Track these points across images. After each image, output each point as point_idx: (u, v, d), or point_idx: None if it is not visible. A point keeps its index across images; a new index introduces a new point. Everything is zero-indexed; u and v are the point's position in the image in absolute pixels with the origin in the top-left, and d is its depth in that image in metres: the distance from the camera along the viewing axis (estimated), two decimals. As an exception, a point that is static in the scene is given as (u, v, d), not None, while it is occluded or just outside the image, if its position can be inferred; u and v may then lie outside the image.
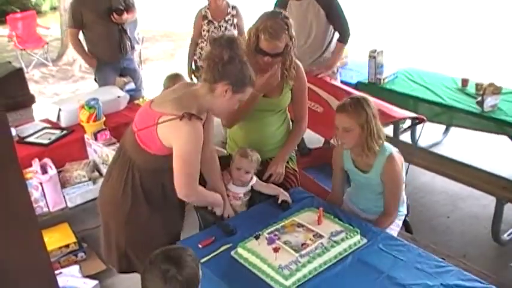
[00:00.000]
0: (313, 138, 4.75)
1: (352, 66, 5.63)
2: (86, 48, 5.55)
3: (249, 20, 5.14)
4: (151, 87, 5.66)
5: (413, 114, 4.16)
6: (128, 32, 5.65)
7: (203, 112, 2.64)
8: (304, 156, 4.46)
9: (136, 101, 5.04)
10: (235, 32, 5.29)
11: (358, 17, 12.11)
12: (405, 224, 3.37)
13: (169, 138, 2.49)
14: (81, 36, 5.52)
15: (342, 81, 5.13)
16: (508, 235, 4.12)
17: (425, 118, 4.05)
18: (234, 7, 5.40)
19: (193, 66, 5.56)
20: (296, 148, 3.58)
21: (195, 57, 5.52)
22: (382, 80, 4.99)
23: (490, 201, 4.01)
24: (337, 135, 3.00)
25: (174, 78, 4.06)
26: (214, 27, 5.32)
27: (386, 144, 3.00)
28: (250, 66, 2.60)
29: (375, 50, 4.98)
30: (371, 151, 2.93)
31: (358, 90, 4.94)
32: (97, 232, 2.88)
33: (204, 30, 5.36)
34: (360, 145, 2.94)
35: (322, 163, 4.37)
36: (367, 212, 3.14)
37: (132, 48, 5.86)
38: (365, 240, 2.64)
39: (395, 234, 3.02)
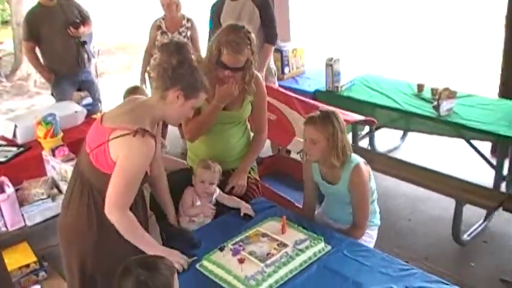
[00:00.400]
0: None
1: (310, 74, 5.69)
2: (42, 62, 5.47)
3: (204, 33, 5.19)
4: (109, 100, 5.60)
5: (362, 117, 4.21)
6: (85, 45, 5.60)
7: (156, 123, 2.59)
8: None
9: (94, 116, 4.96)
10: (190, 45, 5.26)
11: (314, 26, 12.29)
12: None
13: (119, 152, 2.37)
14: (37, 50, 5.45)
15: (299, 90, 5.18)
16: (469, 235, 4.21)
17: (375, 120, 4.13)
18: (189, 19, 5.42)
19: (147, 77, 5.54)
20: None
21: (148, 69, 5.51)
22: (339, 88, 5.05)
23: (450, 203, 4.08)
24: (304, 147, 3.01)
25: (133, 91, 4.04)
26: (167, 39, 5.29)
27: (354, 155, 3.03)
28: (200, 71, 2.54)
29: (332, 58, 5.03)
30: (336, 164, 2.96)
31: (316, 98, 5.02)
32: (58, 250, 2.80)
33: (157, 41, 5.36)
34: (326, 158, 2.95)
35: (273, 171, 4.42)
36: (341, 222, 3.13)
37: (89, 61, 5.80)
38: (329, 247, 2.65)
39: (371, 246, 3.02)
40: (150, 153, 2.42)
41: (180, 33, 5.37)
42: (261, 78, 3.28)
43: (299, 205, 3.56)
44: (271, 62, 5.12)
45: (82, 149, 2.57)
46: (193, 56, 2.55)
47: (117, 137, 2.36)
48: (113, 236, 2.48)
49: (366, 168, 3.03)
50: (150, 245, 2.50)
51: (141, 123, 2.39)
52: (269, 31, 4.86)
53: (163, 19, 5.41)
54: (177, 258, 2.49)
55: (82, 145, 2.57)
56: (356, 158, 3.01)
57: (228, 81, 3.02)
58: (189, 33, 5.38)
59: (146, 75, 5.54)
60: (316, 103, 4.47)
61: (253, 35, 3.05)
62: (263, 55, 4.78)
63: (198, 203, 3.02)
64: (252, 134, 3.43)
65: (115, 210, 2.40)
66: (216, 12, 4.97)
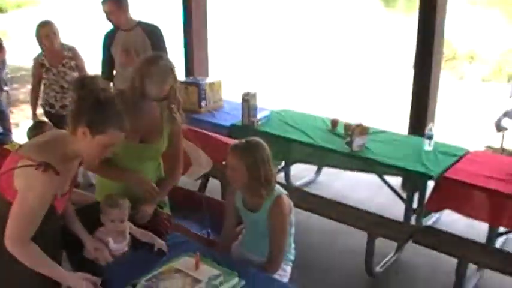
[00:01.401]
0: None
1: (228, 109, 5.71)
2: None
3: (88, 59, 5.18)
4: (21, 130, 5.42)
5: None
6: None
7: (70, 160, 2.49)
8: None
9: (5, 146, 4.77)
10: (75, 75, 5.16)
11: (233, 59, 12.43)
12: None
13: (20, 182, 2.31)
14: None
15: (216, 124, 5.20)
16: (381, 267, 4.32)
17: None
18: (70, 48, 5.27)
19: (43, 112, 5.45)
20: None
21: (40, 103, 5.40)
22: (255, 122, 5.08)
23: (363, 235, 4.16)
24: (227, 173, 3.03)
25: (37, 128, 3.95)
26: (53, 74, 5.21)
27: (278, 187, 3.06)
28: (114, 106, 2.44)
29: (248, 93, 5.07)
30: (257, 194, 2.98)
31: (232, 132, 5.04)
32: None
33: (44, 79, 5.25)
34: (247, 186, 2.98)
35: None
36: (257, 254, 3.14)
37: (1, 90, 5.61)
38: (243, 282, 2.63)
39: (285, 280, 3.04)
40: (50, 189, 2.34)
41: (64, 66, 5.20)
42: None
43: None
44: None
45: None
46: (112, 89, 2.51)
47: (22, 166, 2.30)
48: (11, 266, 2.38)
49: (287, 201, 3.07)
50: (57, 272, 2.44)
51: (48, 158, 2.32)
52: None
53: (44, 55, 5.23)
54: (80, 281, 2.44)
55: None
56: (280, 190, 3.05)
57: (153, 110, 3.03)
58: (73, 63, 5.23)
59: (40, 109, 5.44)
60: (208, 133, 4.63)
61: (173, 64, 3.07)
62: None
63: (111, 241, 2.88)
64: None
65: (13, 243, 2.32)
66: (107, 42, 4.98)
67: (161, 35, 4.88)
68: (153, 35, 4.84)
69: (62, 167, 2.37)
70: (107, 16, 4.80)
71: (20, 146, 2.51)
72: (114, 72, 5.05)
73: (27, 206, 2.31)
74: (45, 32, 5.08)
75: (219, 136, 4.65)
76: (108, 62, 5.01)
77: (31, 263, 2.38)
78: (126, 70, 4.46)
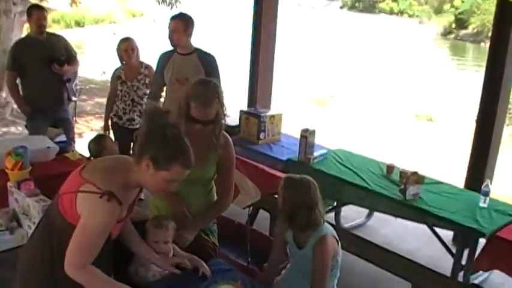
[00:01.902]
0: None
1: (285, 143, 5.76)
2: (21, 94, 5.48)
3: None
4: (84, 140, 5.61)
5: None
6: (67, 83, 5.64)
7: (132, 188, 2.54)
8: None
9: (66, 154, 4.95)
10: (147, 91, 5.41)
11: (295, 93, 12.53)
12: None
13: (82, 208, 2.38)
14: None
15: (272, 157, 5.25)
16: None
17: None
18: (147, 67, 5.54)
19: (110, 123, 5.67)
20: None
21: (111, 114, 5.63)
22: (311, 160, 5.10)
23: (407, 286, 4.10)
24: (279, 206, 3.08)
25: (98, 141, 4.09)
26: (127, 87, 5.48)
27: (327, 225, 3.07)
28: (182, 145, 2.45)
29: (307, 130, 5.10)
30: (303, 231, 3.01)
31: (287, 167, 5.06)
32: (10, 284, 2.75)
33: (119, 91, 5.50)
34: (294, 221, 3.01)
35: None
36: None
37: (70, 100, 5.83)
38: (280, 317, 2.65)
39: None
40: (112, 218, 2.41)
41: (138, 81, 5.47)
42: (230, 141, 3.29)
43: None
44: None
45: (58, 188, 2.57)
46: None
47: (85, 191, 2.37)
48: (62, 283, 2.47)
49: (332, 241, 3.06)
50: None
51: (112, 186, 2.38)
52: None
53: (122, 69, 5.53)
54: None
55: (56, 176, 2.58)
56: (327, 229, 3.05)
57: (199, 136, 3.00)
58: (147, 80, 5.47)
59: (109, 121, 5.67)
60: (255, 163, 4.65)
61: (221, 88, 3.10)
62: None
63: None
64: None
65: (73, 269, 2.40)
66: (161, 63, 5.00)
67: (216, 64, 4.92)
68: (208, 63, 4.88)
69: (123, 195, 2.43)
70: (170, 34, 4.87)
71: (84, 166, 2.55)
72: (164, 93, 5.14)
73: (89, 234, 2.37)
74: (125, 46, 5.42)
75: (266, 168, 4.70)
76: (158, 82, 5.07)
77: (91, 285, 2.46)
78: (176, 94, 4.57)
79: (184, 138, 2.48)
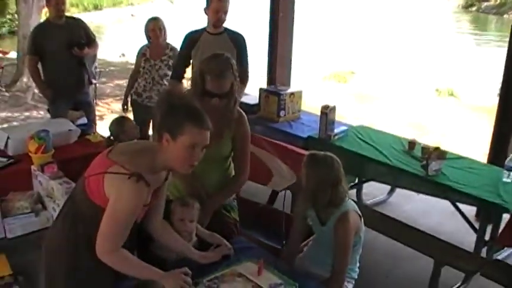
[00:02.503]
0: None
1: (305, 120, 5.74)
2: (42, 78, 5.53)
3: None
4: (105, 122, 5.65)
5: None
6: (87, 65, 5.67)
7: (159, 171, 2.55)
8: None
9: (87, 136, 5.00)
10: (169, 72, 5.40)
11: (315, 70, 12.45)
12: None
13: (111, 190, 2.39)
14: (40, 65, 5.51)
15: (292, 135, 5.24)
16: (444, 298, 4.22)
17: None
18: (172, 48, 5.56)
19: (130, 100, 5.74)
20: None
21: (132, 92, 5.69)
22: (332, 137, 5.08)
23: (429, 262, 4.09)
24: (303, 185, 3.08)
25: (119, 122, 4.11)
26: (150, 65, 5.52)
27: (349, 202, 3.07)
28: (189, 106, 2.49)
29: (327, 106, 5.08)
30: (326, 207, 3.01)
31: (308, 144, 5.06)
32: (35, 266, 2.80)
33: (141, 68, 5.54)
34: (318, 198, 3.01)
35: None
36: (321, 269, 3.15)
37: (90, 83, 5.88)
38: (303, 294, 2.66)
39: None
40: (140, 200, 2.43)
41: (162, 61, 5.51)
42: (245, 117, 3.27)
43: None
44: None
45: (81, 171, 2.59)
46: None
47: (114, 172, 2.39)
48: (87, 266, 2.52)
49: (354, 217, 3.06)
50: (149, 273, 2.53)
51: (140, 168, 2.40)
52: (242, 70, 4.72)
53: (148, 47, 5.59)
54: (179, 282, 2.50)
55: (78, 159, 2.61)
56: (350, 205, 3.05)
57: (216, 110, 2.98)
58: (170, 61, 5.50)
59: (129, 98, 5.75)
60: (285, 145, 4.47)
61: (233, 61, 3.10)
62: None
63: None
64: None
65: (105, 254, 2.44)
66: (188, 44, 4.88)
67: (245, 44, 4.90)
68: (238, 42, 4.85)
69: (151, 177, 2.45)
70: (212, 14, 4.71)
71: (110, 149, 2.56)
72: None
73: (119, 218, 2.40)
74: (153, 26, 5.49)
75: (295, 148, 4.57)
76: (183, 62, 4.96)
77: (124, 269, 2.51)
78: None
79: (193, 103, 2.52)
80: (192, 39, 4.87)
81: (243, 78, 4.79)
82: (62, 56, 5.37)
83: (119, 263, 2.48)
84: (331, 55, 14.98)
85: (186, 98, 2.55)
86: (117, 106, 8.74)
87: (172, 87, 2.90)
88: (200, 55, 4.74)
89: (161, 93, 2.64)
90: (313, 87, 9.54)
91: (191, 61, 4.92)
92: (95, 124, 5.92)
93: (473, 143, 7.51)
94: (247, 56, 4.90)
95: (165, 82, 5.41)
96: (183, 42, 4.95)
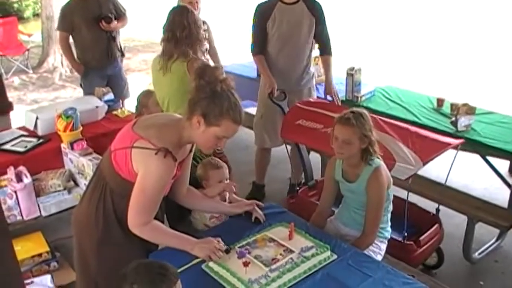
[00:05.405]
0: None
1: (331, 83, 5.66)
2: (74, 54, 5.59)
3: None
4: (131, 98, 5.67)
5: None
6: (117, 39, 5.70)
7: (184, 145, 2.57)
8: (311, 189, 4.41)
9: (114, 112, 5.03)
10: (207, 45, 5.32)
11: (337, 34, 12.28)
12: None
13: (139, 165, 2.42)
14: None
15: (319, 98, 5.19)
16: (479, 254, 4.19)
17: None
18: (204, 22, 5.41)
19: None
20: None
21: None
22: (359, 98, 5.04)
23: (462, 219, 4.07)
24: (334, 145, 3.03)
25: (146, 96, 4.12)
26: None
27: (378, 159, 3.05)
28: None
29: (353, 68, 5.03)
30: (359, 164, 2.99)
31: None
32: (71, 242, 2.86)
33: None
34: (356, 156, 2.99)
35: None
36: (352, 228, 3.17)
37: (123, 55, 5.92)
38: (335, 256, 2.65)
39: (379, 258, 3.01)
40: (168, 175, 2.46)
41: None
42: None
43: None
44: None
45: (109, 146, 2.62)
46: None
47: (141, 147, 2.40)
48: (117, 239, 2.58)
49: (386, 173, 3.04)
50: (182, 242, 2.59)
51: (166, 143, 2.41)
52: (324, 40, 4.81)
53: None
54: (212, 248, 2.55)
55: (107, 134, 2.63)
56: (379, 161, 3.03)
57: None
58: (206, 35, 5.41)
59: None
60: (407, 126, 3.97)
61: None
62: (327, 68, 4.89)
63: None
64: None
65: (138, 228, 2.49)
66: (262, 16, 4.63)
67: (323, 11, 4.68)
68: (316, 10, 4.63)
69: (177, 152, 2.48)
70: None
71: (135, 122, 2.58)
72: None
73: (149, 193, 2.43)
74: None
75: (422, 131, 3.95)
76: (261, 34, 4.67)
77: (156, 239, 2.59)
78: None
79: (234, 93, 2.47)
80: (266, 10, 4.62)
81: (329, 48, 4.82)
82: (91, 30, 5.42)
83: (151, 233, 2.53)
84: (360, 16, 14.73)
85: (229, 86, 2.46)
86: (143, 80, 8.77)
87: (215, 66, 2.78)
88: (278, 27, 4.58)
89: (202, 68, 2.56)
90: (337, 49, 9.43)
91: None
92: (129, 96, 5.94)
93: (503, 97, 7.36)
94: (325, 24, 4.72)
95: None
96: (255, 14, 4.71)
